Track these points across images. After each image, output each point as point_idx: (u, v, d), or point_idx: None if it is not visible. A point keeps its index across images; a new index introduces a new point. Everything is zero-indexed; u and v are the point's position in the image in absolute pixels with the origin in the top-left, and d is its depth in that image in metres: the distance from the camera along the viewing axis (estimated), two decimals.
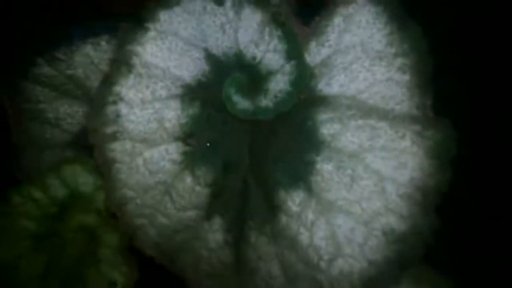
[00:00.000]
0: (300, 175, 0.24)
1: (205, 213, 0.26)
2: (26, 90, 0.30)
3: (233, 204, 0.25)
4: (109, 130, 0.25)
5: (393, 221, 0.22)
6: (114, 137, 0.25)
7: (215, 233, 0.26)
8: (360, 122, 0.23)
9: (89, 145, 0.29)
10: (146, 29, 0.26)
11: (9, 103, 0.31)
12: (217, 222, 0.26)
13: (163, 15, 0.27)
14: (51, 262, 0.28)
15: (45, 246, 0.28)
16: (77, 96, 0.31)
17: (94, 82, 0.30)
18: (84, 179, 0.29)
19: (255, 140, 0.26)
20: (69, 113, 0.31)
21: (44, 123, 0.31)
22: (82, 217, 0.28)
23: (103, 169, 0.25)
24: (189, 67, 0.26)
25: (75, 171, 0.29)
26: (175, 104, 0.26)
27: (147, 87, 0.25)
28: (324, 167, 0.24)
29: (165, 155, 0.25)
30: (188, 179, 0.25)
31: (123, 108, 0.25)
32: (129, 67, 0.25)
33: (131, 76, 0.25)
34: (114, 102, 0.25)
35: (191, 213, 0.26)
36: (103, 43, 0.30)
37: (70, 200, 0.28)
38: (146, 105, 0.25)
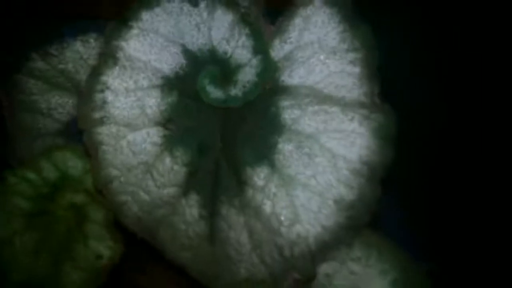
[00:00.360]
0: (265, 154, 0.27)
1: (182, 190, 0.29)
2: (20, 83, 0.33)
3: (207, 182, 0.28)
4: (97, 115, 0.28)
5: (343, 192, 0.26)
6: (101, 121, 0.28)
7: (191, 208, 0.29)
8: (316, 107, 0.27)
9: (78, 133, 0.32)
10: (130, 27, 0.29)
11: (4, 95, 0.34)
12: (193, 198, 0.29)
13: (145, 15, 0.30)
14: (43, 238, 0.31)
15: (37, 224, 0.31)
16: (68, 88, 0.34)
17: (83, 75, 0.33)
18: (73, 163, 0.32)
19: (226, 125, 0.29)
20: (60, 104, 0.34)
21: (36, 114, 0.34)
22: (72, 197, 0.31)
23: (91, 151, 0.28)
24: (168, 61, 0.29)
25: (65, 156, 0.32)
26: (156, 93, 0.29)
27: (131, 77, 0.28)
28: (285, 147, 0.27)
29: (147, 138, 0.28)
30: (167, 159, 0.28)
31: (109, 96, 0.28)
32: (115, 60, 0.28)
33: (117, 68, 0.28)
34: (101, 91, 0.28)
35: (170, 190, 0.29)
36: (91, 40, 0.34)
37: (60, 182, 0.31)
38: (130, 94, 0.28)
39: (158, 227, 0.30)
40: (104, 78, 0.28)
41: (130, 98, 0.28)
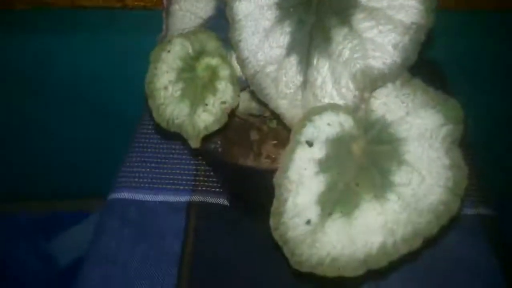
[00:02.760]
0: (344, 20, 0.37)
1: (287, 51, 0.40)
2: None
3: (304, 44, 0.39)
4: None
5: (399, 38, 0.35)
6: None
7: (292, 64, 0.40)
8: None
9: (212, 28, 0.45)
10: None
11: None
12: (294, 57, 0.39)
13: None
14: (186, 88, 0.44)
15: (184, 77, 0.44)
16: None
17: None
18: (210, 41, 0.45)
19: (318, 7, 0.40)
20: (203, 6, 0.47)
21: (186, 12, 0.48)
22: (209, 60, 0.44)
23: (230, 21, 0.41)
24: None
25: (205, 35, 0.45)
26: None
27: None
28: (359, 16, 0.37)
29: (266, 15, 0.40)
30: (278, 29, 0.40)
31: None
32: None
33: None
34: None
35: (278, 51, 0.40)
36: None
37: (202, 50, 0.44)
38: None
39: (266, 79, 0.41)
40: None
41: None
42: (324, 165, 0.37)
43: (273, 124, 0.55)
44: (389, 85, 0.36)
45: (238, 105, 0.43)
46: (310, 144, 0.37)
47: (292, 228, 0.37)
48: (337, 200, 0.36)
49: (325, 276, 0.36)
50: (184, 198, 0.67)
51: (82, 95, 0.99)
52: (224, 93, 0.43)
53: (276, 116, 0.43)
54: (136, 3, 0.82)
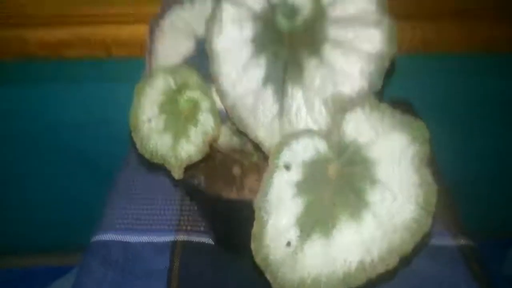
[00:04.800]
0: (315, 51, 0.40)
1: (263, 83, 0.42)
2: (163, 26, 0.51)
3: (279, 75, 0.41)
4: (216, 28, 0.43)
5: (365, 66, 0.38)
6: (217, 33, 0.43)
7: (268, 94, 0.42)
8: (348, 24, 0.40)
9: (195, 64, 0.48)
10: None
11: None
12: (270, 87, 0.42)
13: None
14: (169, 120, 0.46)
15: (167, 110, 0.46)
16: (190, 33, 0.50)
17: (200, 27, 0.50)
18: (190, 76, 0.47)
19: (291, 40, 0.42)
20: (184, 44, 0.50)
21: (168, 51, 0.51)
22: (191, 93, 0.46)
23: (210, 55, 0.43)
24: (259, 4, 0.43)
25: (187, 72, 0.47)
26: (249, 23, 0.43)
27: (237, 11, 0.43)
28: (327, 47, 0.39)
29: (244, 49, 0.42)
30: (254, 62, 0.42)
31: (223, 22, 0.43)
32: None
33: (229, 5, 0.44)
34: (220, 19, 0.43)
35: (255, 83, 0.42)
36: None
37: (184, 85, 0.47)
38: (235, 22, 0.43)
39: (245, 109, 0.43)
40: (219, 12, 0.44)
41: (234, 25, 0.43)
42: (301, 188, 0.38)
43: (255, 158, 0.56)
44: (359, 110, 0.39)
45: (218, 137, 0.45)
46: (287, 167, 0.39)
47: (273, 250, 0.37)
48: (315, 221, 0.37)
49: None
50: (168, 238, 0.67)
51: (65, 146, 1.00)
52: (205, 124, 0.44)
53: (255, 145, 0.44)
54: (120, 52, 0.85)
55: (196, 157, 0.44)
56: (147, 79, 0.45)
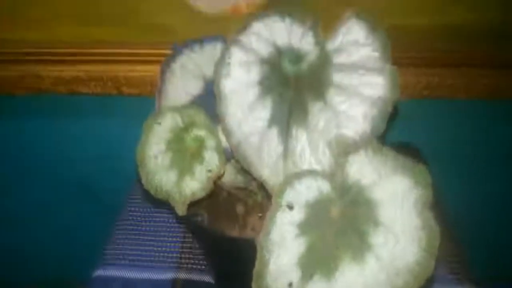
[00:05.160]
0: (320, 95, 0.41)
1: (268, 124, 0.43)
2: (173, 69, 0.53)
3: (284, 117, 0.43)
4: (224, 71, 0.45)
5: (368, 110, 0.39)
6: (225, 76, 0.44)
7: (273, 135, 0.43)
8: (352, 71, 0.42)
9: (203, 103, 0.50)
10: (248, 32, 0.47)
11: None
12: (275, 128, 0.43)
13: (255, 25, 0.48)
14: (175, 158, 0.47)
15: (173, 148, 0.47)
16: (198, 76, 0.52)
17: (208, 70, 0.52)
18: (198, 115, 0.48)
19: (296, 84, 0.43)
20: (193, 85, 0.52)
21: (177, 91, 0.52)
22: (197, 131, 0.47)
23: (217, 96, 0.45)
24: (266, 50, 0.45)
25: (194, 111, 0.49)
26: (257, 67, 0.45)
27: (245, 55, 0.45)
28: (332, 91, 0.41)
29: (250, 91, 0.44)
30: (260, 104, 0.43)
31: (231, 64, 0.45)
32: (237, 46, 0.46)
33: (236, 49, 0.45)
34: (228, 63, 0.45)
35: (260, 124, 0.43)
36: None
37: (190, 124, 0.48)
38: (242, 65, 0.45)
39: (250, 149, 0.44)
40: (228, 55, 0.45)
41: (242, 69, 0.45)
42: (304, 228, 0.39)
43: (259, 197, 0.57)
44: (362, 153, 0.40)
45: (223, 175, 0.46)
46: (290, 207, 0.39)
47: None
48: (318, 262, 0.37)
49: None
50: (169, 276, 0.66)
51: (71, 179, 1.01)
52: (210, 162, 0.45)
53: (259, 184, 0.45)
54: (131, 91, 0.87)
55: (200, 194, 0.45)
56: (156, 117, 0.47)
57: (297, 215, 0.39)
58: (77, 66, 0.85)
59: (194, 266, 0.68)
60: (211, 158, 0.45)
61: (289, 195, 0.39)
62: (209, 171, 0.45)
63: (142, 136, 0.47)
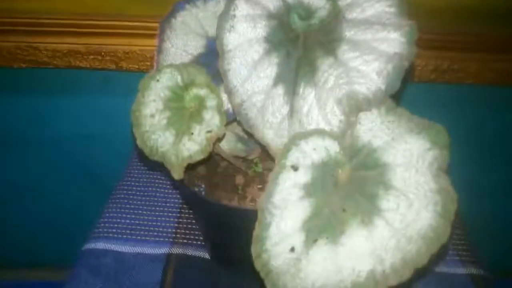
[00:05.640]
0: (330, 51, 0.38)
1: (274, 82, 0.40)
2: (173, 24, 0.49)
3: (290, 75, 0.40)
4: (227, 25, 0.42)
5: (382, 66, 0.36)
6: (229, 30, 0.41)
7: (278, 94, 0.40)
8: (365, 26, 0.38)
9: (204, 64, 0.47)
10: None
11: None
12: (280, 87, 0.40)
13: None
14: (173, 117, 0.44)
15: (171, 107, 0.44)
16: (200, 33, 0.49)
17: (211, 27, 0.48)
18: (197, 75, 0.45)
19: (306, 40, 0.40)
20: (194, 44, 0.49)
21: (178, 49, 0.49)
22: (198, 90, 0.44)
23: (219, 51, 0.42)
24: (273, 4, 0.42)
25: (194, 70, 0.46)
26: (263, 21, 0.41)
27: (251, 8, 0.42)
28: (344, 47, 0.38)
29: (255, 47, 0.41)
30: (266, 61, 0.41)
31: (236, 18, 0.42)
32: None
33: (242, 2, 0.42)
34: (232, 16, 0.42)
35: (265, 82, 0.41)
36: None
37: (191, 82, 0.45)
38: (248, 19, 0.42)
39: (253, 108, 0.41)
40: (233, 8, 0.42)
41: (247, 23, 0.42)
42: (309, 190, 0.36)
43: (259, 168, 0.54)
44: (375, 112, 0.37)
45: (223, 136, 0.43)
46: (295, 168, 0.36)
47: (275, 256, 0.34)
48: (323, 226, 0.34)
49: None
50: (163, 250, 0.64)
51: (67, 156, 0.98)
52: (210, 123, 0.42)
53: (261, 152, 0.42)
54: (130, 66, 0.84)
55: (198, 156, 0.42)
56: (153, 73, 0.44)
57: (302, 177, 0.36)
58: (75, 39, 0.81)
59: (190, 242, 0.65)
60: (211, 119, 0.42)
61: (294, 156, 0.37)
62: (209, 132, 0.42)
63: (138, 94, 0.44)
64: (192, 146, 0.42)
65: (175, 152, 0.42)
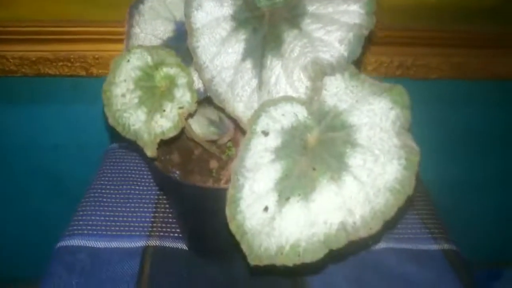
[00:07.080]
0: (295, 24, 0.40)
1: (242, 57, 0.42)
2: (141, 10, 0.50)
3: (258, 50, 0.41)
4: (194, 4, 0.43)
5: (344, 35, 0.38)
6: (196, 8, 0.43)
7: (247, 68, 0.41)
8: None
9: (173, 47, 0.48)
10: None
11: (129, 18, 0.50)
12: (248, 62, 0.41)
13: None
14: (144, 96, 0.44)
15: (142, 86, 0.45)
16: (168, 17, 0.50)
17: (179, 12, 0.50)
18: (168, 56, 0.46)
19: (271, 17, 0.42)
20: (163, 29, 0.50)
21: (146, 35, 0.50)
22: (168, 70, 0.45)
23: (188, 30, 0.43)
24: None
25: (165, 51, 0.47)
26: (229, 1, 0.44)
27: None
28: (307, 20, 0.40)
29: (222, 26, 0.42)
30: (233, 38, 0.42)
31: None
32: None
33: None
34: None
35: (234, 57, 0.42)
36: None
37: (161, 62, 0.46)
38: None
39: (223, 84, 0.42)
40: None
41: (214, 2, 0.43)
42: (280, 153, 0.37)
43: (232, 152, 0.55)
44: (339, 78, 0.38)
45: (194, 112, 0.44)
46: (265, 133, 0.38)
47: (249, 216, 0.35)
48: (294, 185, 0.35)
49: (285, 268, 0.34)
50: (139, 244, 0.63)
51: (36, 166, 0.96)
52: (181, 100, 0.43)
53: (233, 121, 0.43)
54: (101, 71, 0.84)
55: (171, 132, 0.43)
56: (124, 55, 0.44)
57: (273, 141, 0.37)
58: (43, 46, 0.81)
59: (167, 234, 0.65)
60: (183, 96, 0.43)
61: (264, 122, 0.38)
62: (181, 108, 0.43)
63: (109, 75, 0.44)
64: (165, 123, 0.43)
65: (147, 129, 0.43)
